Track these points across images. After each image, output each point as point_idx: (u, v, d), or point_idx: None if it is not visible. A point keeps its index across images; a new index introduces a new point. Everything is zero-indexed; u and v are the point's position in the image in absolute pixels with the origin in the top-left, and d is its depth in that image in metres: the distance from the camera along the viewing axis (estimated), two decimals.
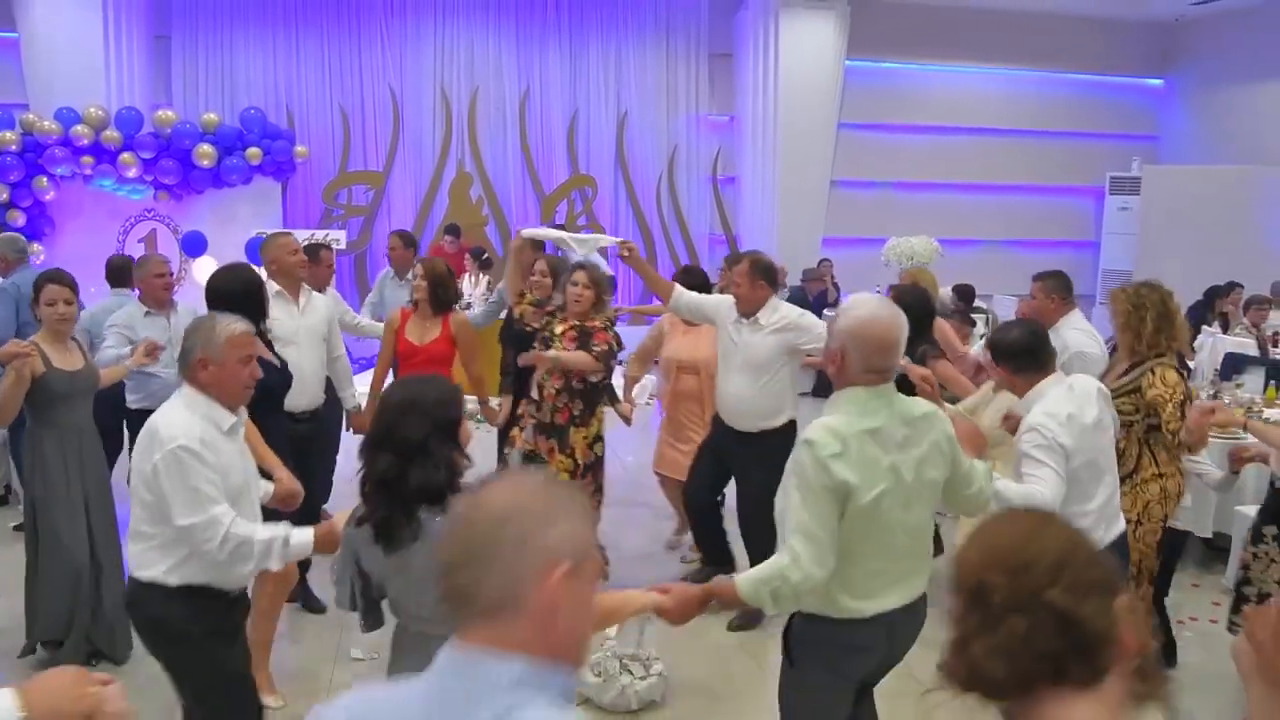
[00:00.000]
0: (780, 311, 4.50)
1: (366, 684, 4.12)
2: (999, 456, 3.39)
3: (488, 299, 7.35)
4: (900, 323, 2.46)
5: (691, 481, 4.92)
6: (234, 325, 2.73)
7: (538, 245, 5.47)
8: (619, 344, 4.79)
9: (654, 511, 5.76)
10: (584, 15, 11.95)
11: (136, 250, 9.11)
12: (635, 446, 6.93)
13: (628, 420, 5.34)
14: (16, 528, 5.19)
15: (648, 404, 8.29)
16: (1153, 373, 3.79)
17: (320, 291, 5.12)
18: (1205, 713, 3.81)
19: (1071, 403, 3.16)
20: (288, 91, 11.29)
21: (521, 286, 5.11)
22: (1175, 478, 3.95)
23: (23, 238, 6.58)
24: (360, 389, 5.06)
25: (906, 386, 4.19)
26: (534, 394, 4.76)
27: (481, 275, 9.91)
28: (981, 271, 10.63)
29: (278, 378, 3.79)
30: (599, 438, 4.77)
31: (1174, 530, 4.15)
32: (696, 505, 4.90)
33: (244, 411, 2.82)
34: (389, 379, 4.94)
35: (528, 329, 4.99)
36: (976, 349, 5.15)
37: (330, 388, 4.77)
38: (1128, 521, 3.80)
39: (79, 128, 9.06)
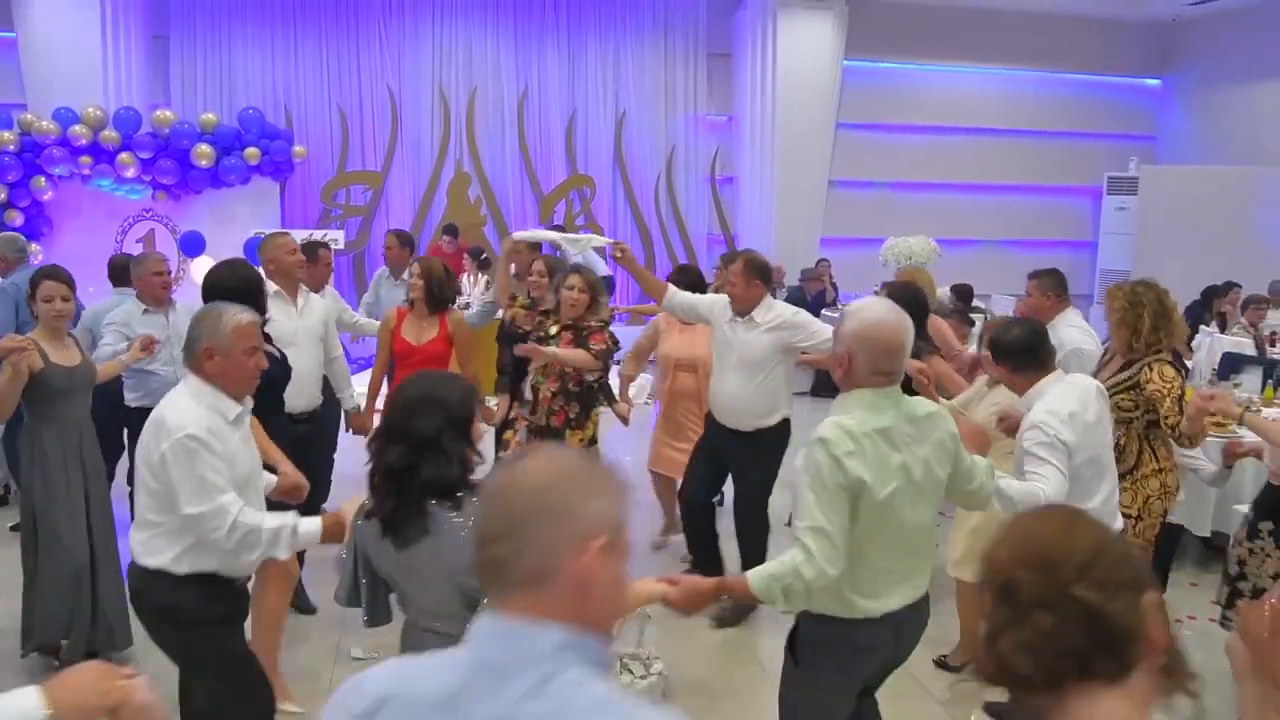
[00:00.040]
0: (775, 310, 4.51)
1: None
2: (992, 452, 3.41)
3: (485, 299, 7.35)
4: (907, 326, 2.48)
5: (688, 482, 4.92)
6: (240, 315, 2.73)
7: (535, 246, 5.48)
8: (615, 344, 4.80)
9: (650, 511, 5.76)
10: (582, 15, 11.96)
11: (135, 250, 9.10)
12: (633, 446, 6.93)
13: (625, 420, 5.33)
14: (13, 528, 5.18)
15: (646, 404, 8.29)
16: (1150, 368, 3.81)
17: (318, 291, 5.12)
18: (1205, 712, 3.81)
19: (1073, 400, 3.18)
20: (286, 91, 11.29)
21: (512, 289, 5.11)
22: (1173, 472, 3.98)
23: (22, 237, 6.57)
24: (359, 389, 5.06)
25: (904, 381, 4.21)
26: (527, 396, 4.76)
27: (480, 275, 9.91)
28: (979, 271, 10.66)
29: (279, 370, 3.79)
30: (594, 440, 4.77)
31: (1169, 525, 4.17)
32: (693, 506, 4.89)
33: (249, 401, 2.82)
34: (386, 383, 4.96)
35: (519, 331, 4.99)
36: (974, 348, 5.16)
37: (328, 388, 4.76)
38: (1128, 518, 3.82)
39: (77, 128, 9.06)
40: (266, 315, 3.82)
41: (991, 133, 13.02)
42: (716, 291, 5.44)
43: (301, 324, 4.48)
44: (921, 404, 2.60)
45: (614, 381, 5.47)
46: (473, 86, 11.73)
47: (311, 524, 2.69)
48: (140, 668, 3.97)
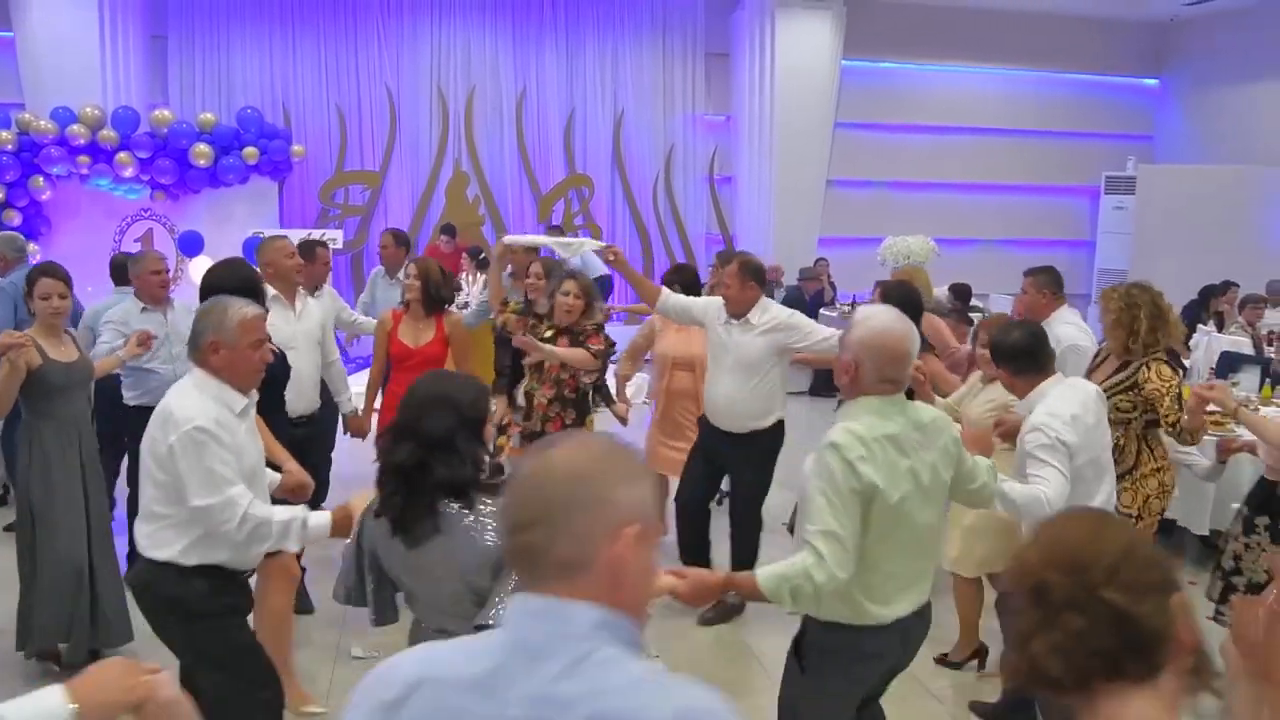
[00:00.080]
0: (770, 312, 4.50)
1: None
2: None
3: (483, 298, 7.34)
4: (913, 335, 2.51)
5: (685, 485, 4.90)
6: (245, 309, 2.74)
7: (531, 249, 5.48)
8: (611, 346, 4.81)
9: None
10: (580, 15, 11.96)
11: (134, 250, 9.09)
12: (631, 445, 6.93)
13: (624, 420, 5.33)
14: (8, 528, 5.16)
15: (645, 403, 8.30)
16: (1148, 368, 3.83)
17: (316, 290, 5.11)
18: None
19: (1074, 403, 3.20)
20: (284, 91, 11.28)
21: (504, 293, 5.10)
22: (1170, 470, 4.01)
23: (22, 237, 6.57)
24: (356, 389, 5.05)
25: None
26: (520, 402, 4.75)
27: (479, 274, 9.90)
28: (977, 271, 10.67)
29: (279, 367, 3.80)
30: None
31: (1163, 520, 4.21)
32: (691, 508, 4.87)
33: (254, 394, 2.82)
34: (383, 386, 4.94)
35: (510, 336, 4.98)
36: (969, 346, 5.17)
37: (325, 392, 4.76)
38: (1129, 518, 3.84)
39: (75, 127, 9.05)
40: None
41: (989, 132, 13.03)
42: (711, 291, 5.44)
43: (300, 328, 4.47)
44: (925, 410, 2.63)
45: (609, 382, 5.48)
46: (471, 86, 11.73)
47: (321, 518, 2.69)
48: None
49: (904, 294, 4.80)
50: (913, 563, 2.55)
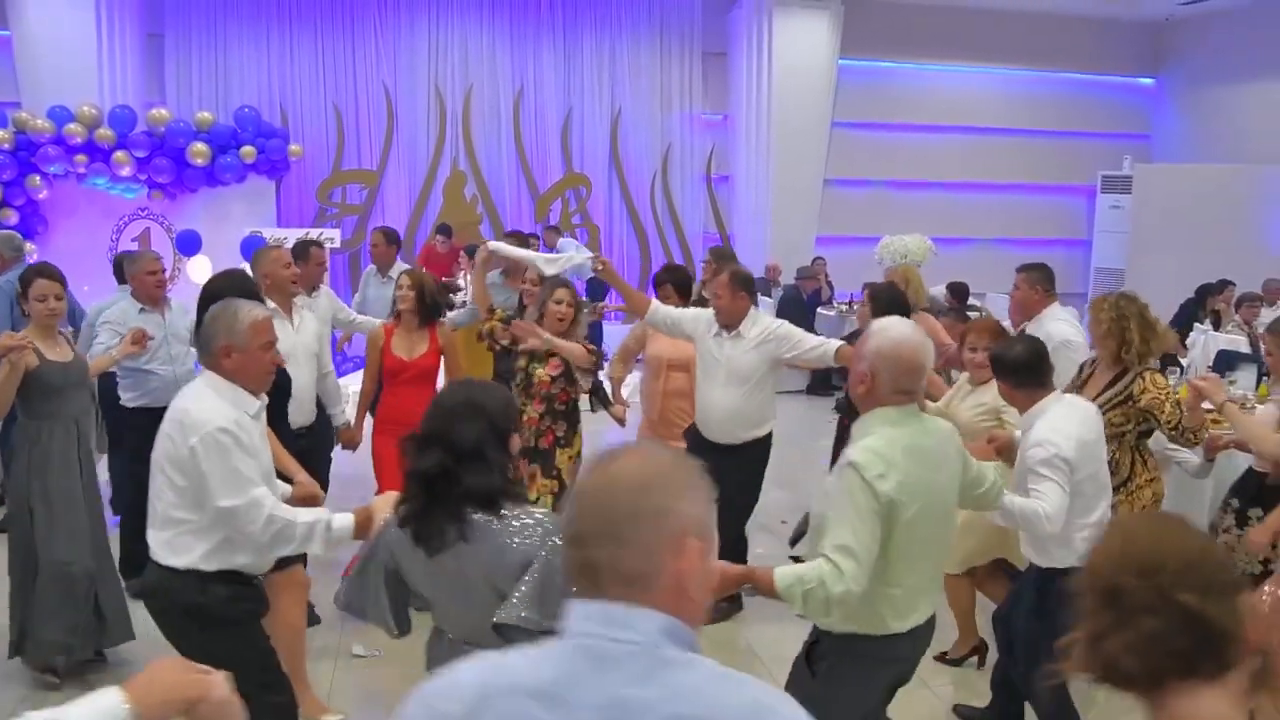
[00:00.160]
0: (761, 323, 4.50)
1: (369, 683, 4.09)
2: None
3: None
4: (928, 346, 2.55)
5: None
6: (255, 311, 2.75)
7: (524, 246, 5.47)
8: (599, 357, 4.85)
9: None
10: (578, 13, 11.95)
11: (132, 249, 9.07)
12: None
13: (622, 421, 5.32)
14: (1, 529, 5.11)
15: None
16: (1142, 379, 3.85)
17: (313, 290, 5.10)
18: None
19: (1074, 419, 3.24)
20: (282, 90, 11.27)
21: (489, 301, 5.08)
22: (1161, 480, 4.06)
23: (19, 236, 6.54)
24: (354, 387, 5.03)
25: None
26: None
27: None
28: (975, 270, 10.67)
29: (281, 377, 3.80)
30: (579, 455, 4.79)
31: None
32: None
33: (264, 398, 2.82)
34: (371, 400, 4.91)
35: (496, 347, 4.97)
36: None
37: (319, 403, 4.74)
38: None
39: (72, 126, 9.03)
40: None
41: (986, 132, 13.05)
42: (704, 287, 5.43)
43: (299, 340, 4.44)
44: (937, 420, 2.68)
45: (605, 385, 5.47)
46: (468, 85, 11.72)
47: (344, 520, 2.67)
48: (144, 664, 3.98)
49: (892, 296, 4.87)
50: (929, 572, 2.62)
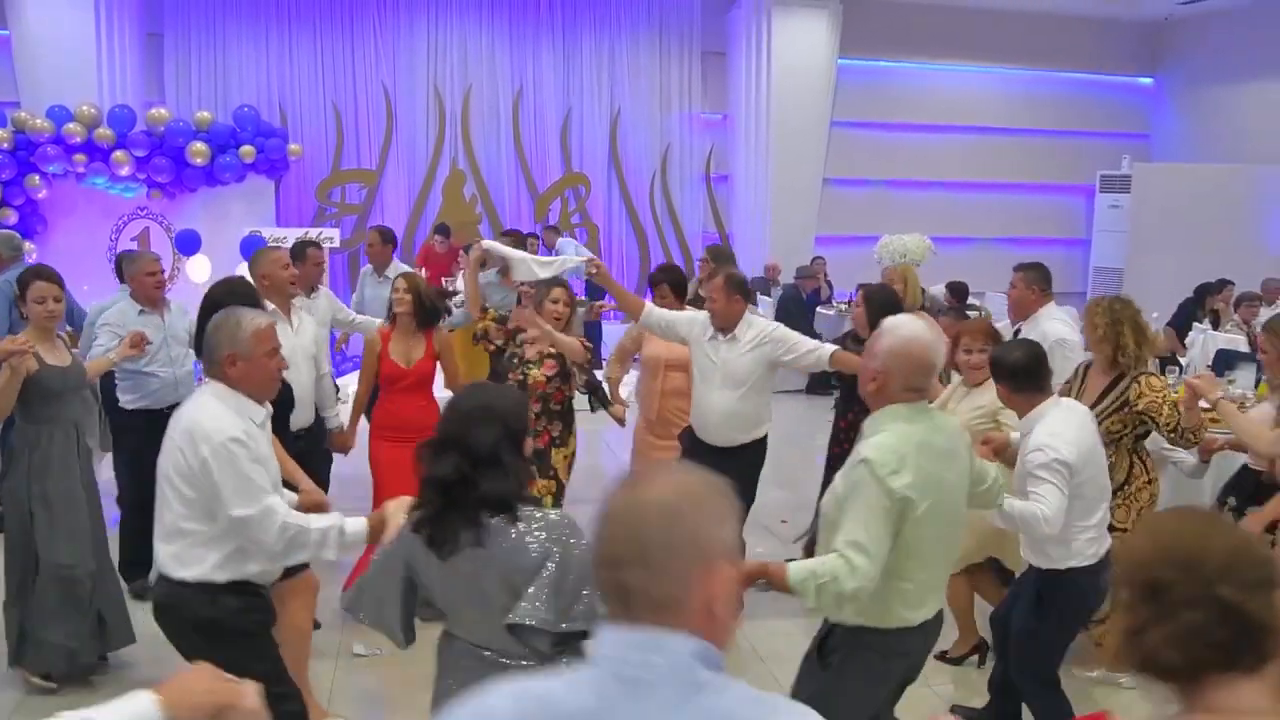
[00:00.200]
0: (755, 327, 4.50)
1: (369, 683, 4.08)
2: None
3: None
4: (940, 345, 2.62)
5: None
6: (257, 318, 2.74)
7: (523, 246, 5.47)
8: (593, 355, 4.87)
9: None
10: (577, 13, 11.95)
11: (132, 249, 9.06)
12: (630, 444, 6.94)
13: (621, 421, 5.33)
14: None
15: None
16: (1138, 383, 3.87)
17: (311, 291, 5.10)
18: None
19: (1074, 423, 3.26)
20: (281, 89, 11.26)
21: (482, 301, 5.07)
22: (1158, 481, 4.10)
23: (18, 235, 6.52)
24: (351, 388, 5.02)
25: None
26: None
27: (479, 273, 9.89)
28: (974, 269, 10.67)
29: (283, 387, 3.81)
30: (574, 454, 4.79)
31: None
32: None
33: (269, 407, 2.82)
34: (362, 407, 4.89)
35: (491, 347, 4.97)
36: None
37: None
38: (1124, 531, 3.90)
39: (71, 125, 9.03)
40: None
41: (985, 131, 13.06)
42: (700, 286, 5.43)
43: (298, 343, 4.41)
44: (946, 417, 2.73)
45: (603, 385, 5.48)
46: (468, 84, 11.72)
47: (358, 524, 2.67)
48: (145, 667, 3.98)
49: (885, 298, 4.90)
50: (940, 567, 2.65)
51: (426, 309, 4.61)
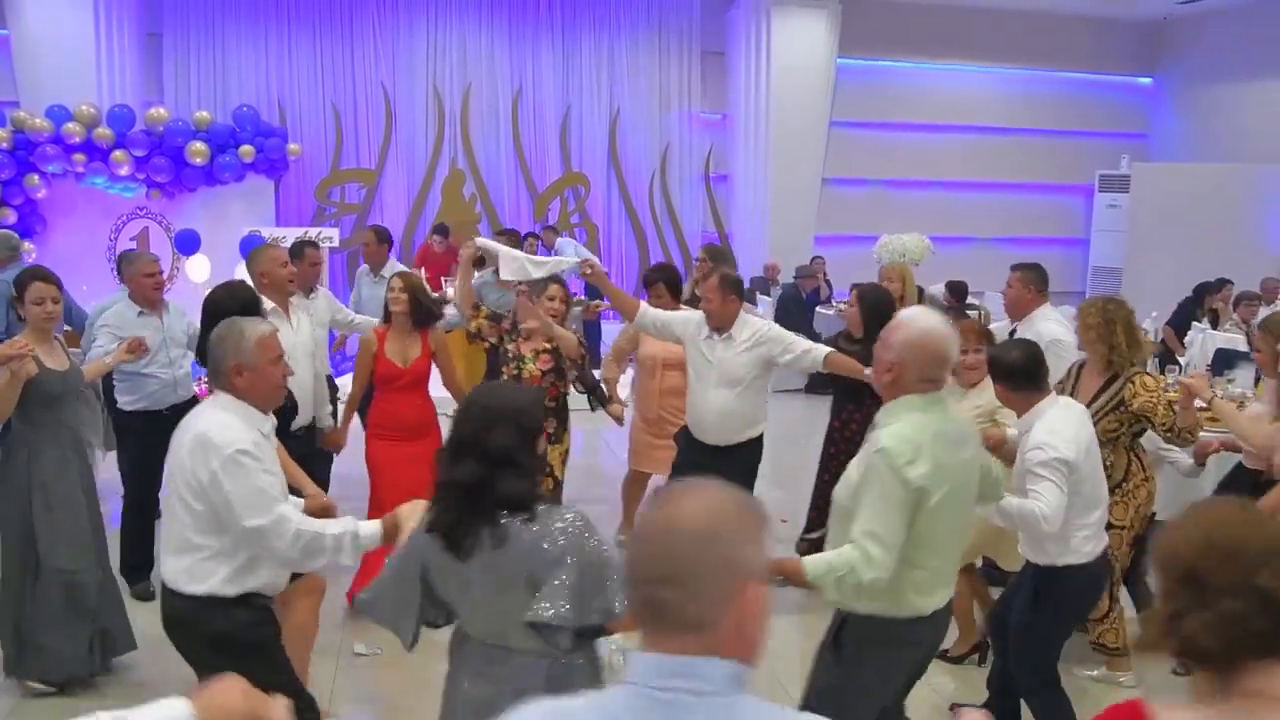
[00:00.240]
0: (751, 326, 4.50)
1: (370, 683, 4.06)
2: None
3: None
4: (955, 338, 2.63)
5: None
6: (260, 327, 2.74)
7: (518, 245, 5.48)
8: (587, 352, 4.89)
9: (612, 508, 5.71)
10: (576, 13, 11.96)
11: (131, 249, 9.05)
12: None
13: (619, 420, 5.33)
14: None
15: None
16: (1132, 383, 3.89)
17: (309, 291, 5.09)
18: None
19: (1073, 421, 3.28)
20: (280, 89, 11.26)
21: (474, 299, 5.07)
22: (1154, 479, 4.13)
23: (16, 235, 6.51)
24: (350, 387, 5.02)
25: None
26: None
27: (477, 272, 9.88)
28: (973, 268, 10.67)
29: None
30: (568, 451, 4.78)
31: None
32: None
33: (273, 417, 2.82)
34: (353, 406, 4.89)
35: (486, 343, 4.97)
36: None
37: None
38: (1122, 529, 3.94)
39: (70, 125, 9.02)
40: None
41: (984, 131, 13.07)
42: (695, 286, 5.44)
43: (297, 340, 4.41)
44: (957, 409, 2.72)
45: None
46: (467, 84, 11.72)
47: (372, 528, 2.67)
48: (145, 668, 3.98)
49: (878, 297, 4.96)
50: (953, 555, 2.68)
51: (422, 307, 4.60)
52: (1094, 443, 3.37)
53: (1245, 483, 3.97)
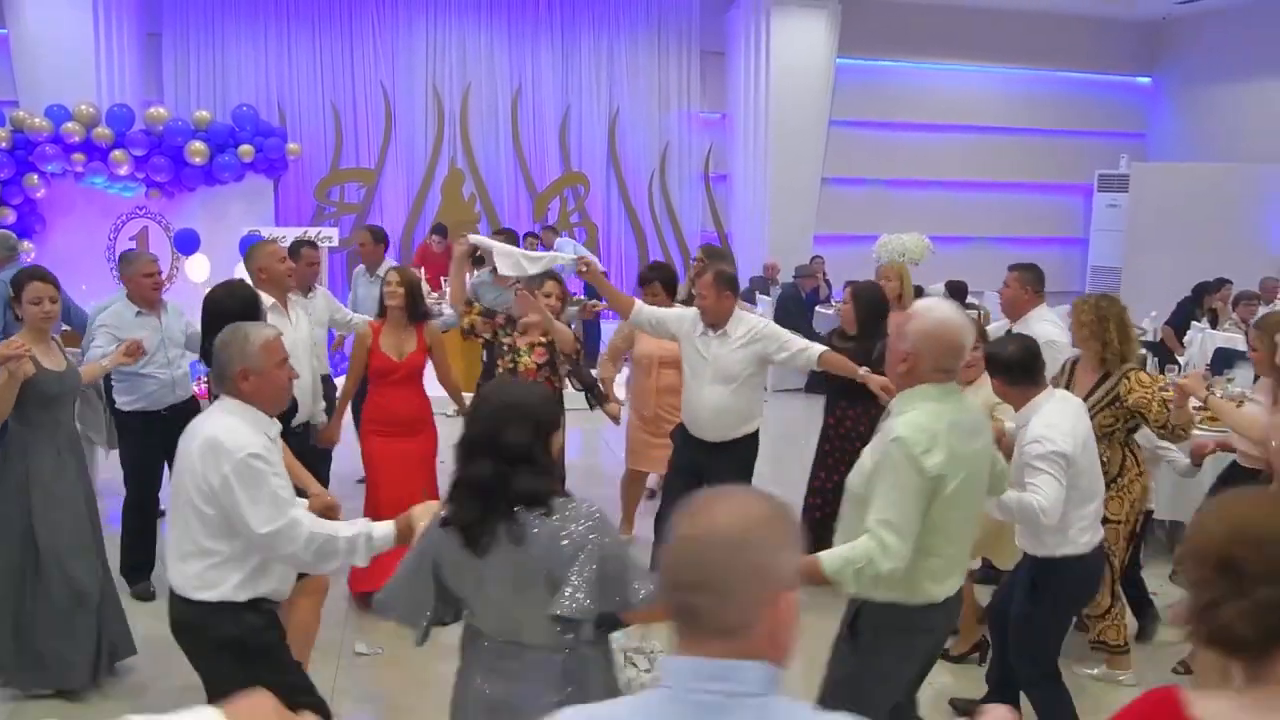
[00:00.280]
0: (746, 323, 4.50)
1: (370, 682, 4.07)
2: None
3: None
4: (970, 328, 2.67)
5: (668, 504, 4.87)
6: (265, 331, 2.74)
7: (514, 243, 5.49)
8: (583, 347, 4.90)
9: (609, 506, 5.76)
10: (576, 12, 11.96)
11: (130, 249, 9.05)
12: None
13: (616, 419, 5.33)
14: None
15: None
16: (1128, 379, 3.91)
17: (308, 291, 5.09)
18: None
19: (1070, 415, 3.31)
20: (279, 89, 11.26)
21: (467, 295, 5.07)
22: (1149, 473, 4.16)
23: (14, 235, 6.49)
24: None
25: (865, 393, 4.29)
26: None
27: (474, 271, 9.89)
28: (972, 268, 10.69)
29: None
30: (563, 446, 4.79)
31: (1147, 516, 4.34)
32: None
33: (277, 421, 2.82)
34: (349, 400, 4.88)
35: (480, 338, 4.97)
36: None
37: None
38: (1118, 523, 3.95)
39: (70, 125, 9.02)
40: None
41: (984, 130, 13.09)
42: (691, 285, 5.44)
43: (297, 336, 4.41)
44: (970, 398, 2.78)
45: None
46: (466, 83, 11.72)
47: (385, 529, 2.66)
48: (145, 669, 3.98)
49: (872, 295, 4.98)
50: (965, 544, 2.71)
51: (418, 302, 4.62)
52: (1091, 436, 3.39)
53: (1241, 482, 3.98)
